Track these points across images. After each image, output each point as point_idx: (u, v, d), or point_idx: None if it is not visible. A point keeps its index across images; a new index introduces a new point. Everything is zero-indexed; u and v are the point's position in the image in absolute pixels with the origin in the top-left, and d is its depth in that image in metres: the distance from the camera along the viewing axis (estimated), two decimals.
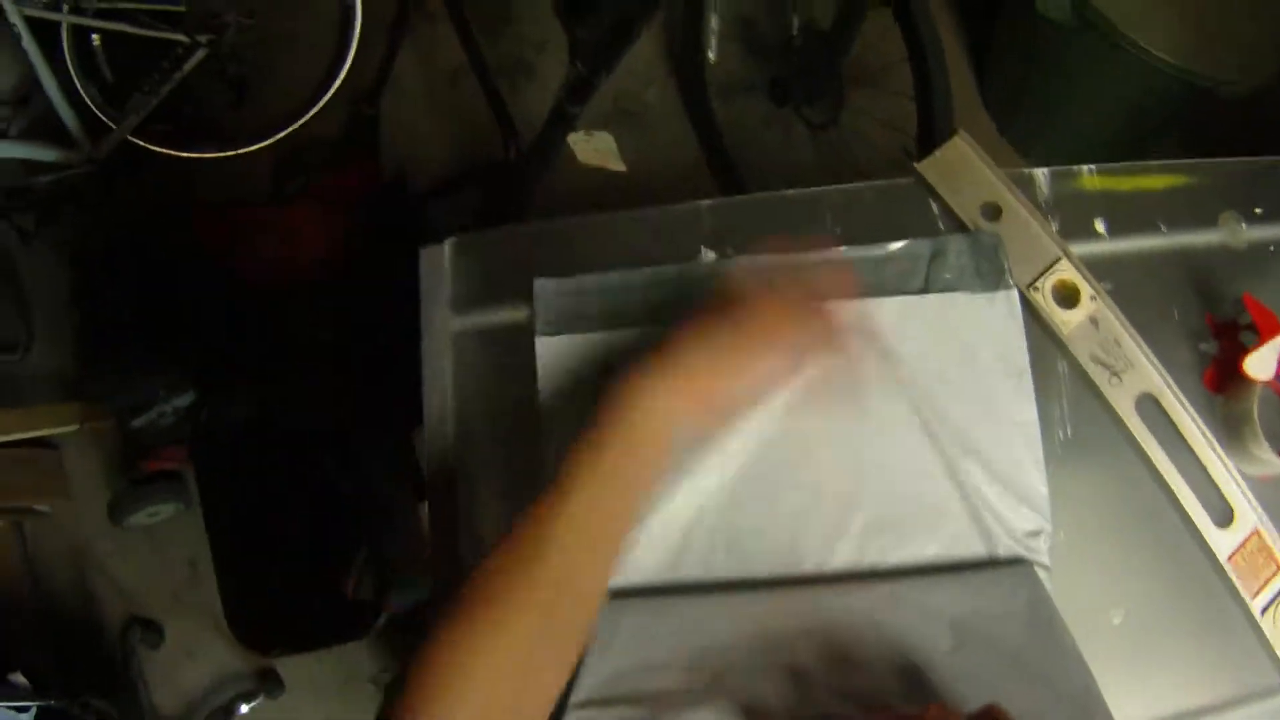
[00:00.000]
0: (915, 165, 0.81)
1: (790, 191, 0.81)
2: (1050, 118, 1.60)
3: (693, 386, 0.58)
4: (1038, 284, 0.78)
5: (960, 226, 0.80)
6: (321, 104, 1.56)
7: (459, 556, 0.75)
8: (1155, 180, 0.85)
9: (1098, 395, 0.77)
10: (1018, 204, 0.80)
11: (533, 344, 0.77)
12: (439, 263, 0.82)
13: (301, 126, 1.53)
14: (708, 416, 0.61)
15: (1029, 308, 0.78)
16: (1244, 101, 1.37)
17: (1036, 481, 0.74)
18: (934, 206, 0.81)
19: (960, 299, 0.76)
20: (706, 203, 0.80)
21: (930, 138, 0.81)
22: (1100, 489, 0.77)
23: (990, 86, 1.77)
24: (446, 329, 0.80)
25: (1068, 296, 0.78)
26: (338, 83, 1.56)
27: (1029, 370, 0.75)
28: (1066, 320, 0.77)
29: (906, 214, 0.81)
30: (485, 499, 0.77)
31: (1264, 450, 0.76)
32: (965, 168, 0.81)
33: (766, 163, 1.61)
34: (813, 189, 0.80)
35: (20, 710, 1.36)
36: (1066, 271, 0.78)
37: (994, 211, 0.80)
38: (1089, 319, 0.78)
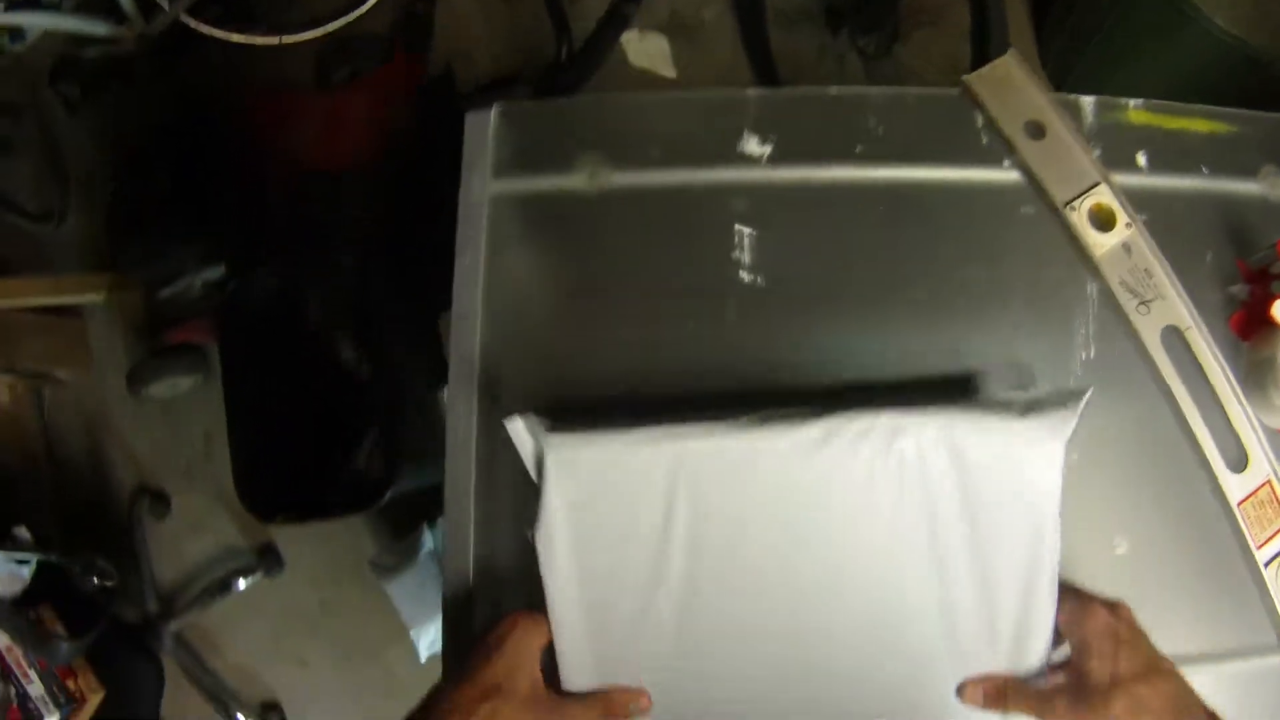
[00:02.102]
0: (964, 78, 0.81)
1: (835, 89, 0.81)
2: (1104, 81, 1.60)
3: None
4: (1075, 204, 0.78)
5: (1003, 140, 0.80)
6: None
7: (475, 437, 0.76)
8: (1200, 124, 0.85)
9: (1124, 321, 0.77)
10: (1062, 126, 0.80)
11: (570, 208, 0.77)
12: (484, 128, 0.82)
13: (356, 17, 1.53)
14: None
15: (1064, 227, 0.78)
16: None
17: None
18: (978, 119, 0.81)
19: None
20: (753, 91, 0.80)
21: (982, 58, 0.80)
22: (1117, 414, 0.76)
23: (1048, 47, 1.76)
24: (485, 191, 0.80)
25: (1104, 220, 0.78)
26: None
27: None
28: (1100, 243, 0.77)
29: (950, 124, 0.81)
30: (509, 367, 0.77)
31: None
32: (1013, 85, 0.81)
33: None
34: (858, 88, 0.81)
35: (21, 563, 1.38)
36: (1104, 196, 0.78)
37: (1038, 130, 0.80)
38: (1122, 245, 0.78)
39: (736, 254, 0.78)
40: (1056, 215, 0.78)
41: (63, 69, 1.62)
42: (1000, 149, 0.80)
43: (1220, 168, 0.83)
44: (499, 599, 0.72)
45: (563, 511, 0.64)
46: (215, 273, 1.47)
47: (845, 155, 0.79)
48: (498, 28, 1.68)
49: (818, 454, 0.64)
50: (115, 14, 1.58)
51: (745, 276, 0.77)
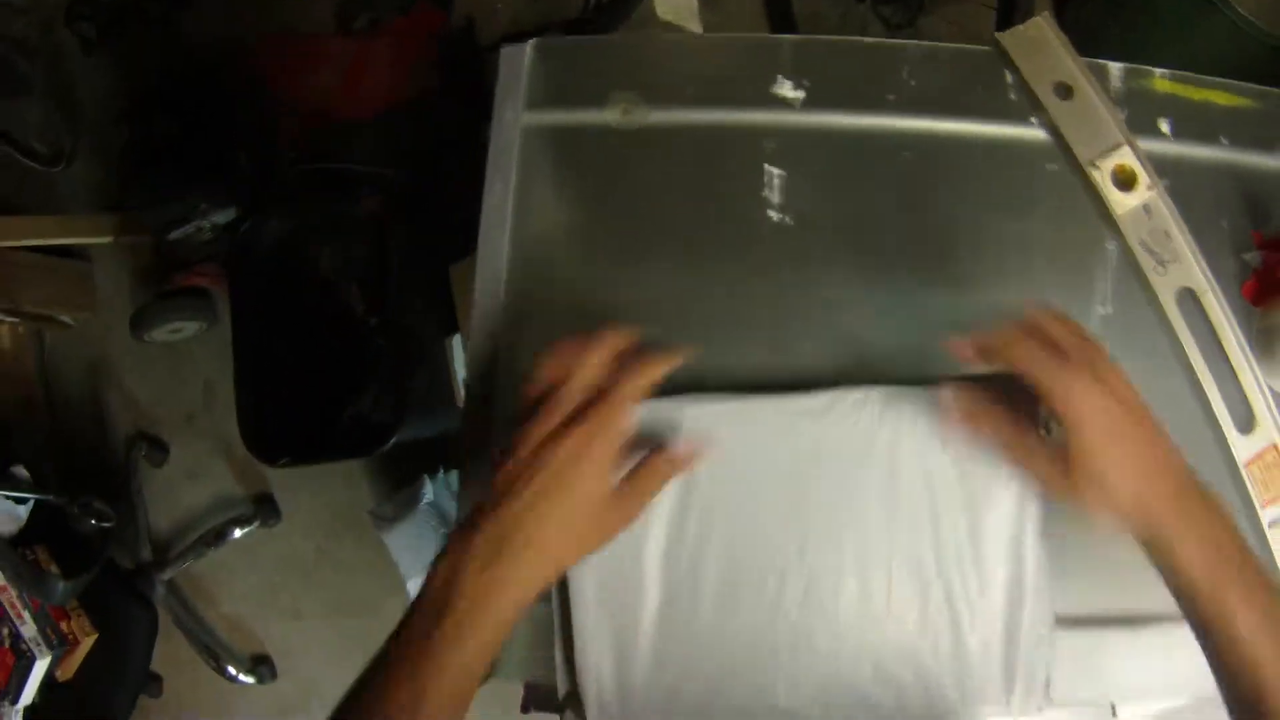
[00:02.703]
0: (997, 34, 0.82)
1: (869, 40, 0.82)
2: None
3: None
4: (1098, 163, 0.79)
5: (1032, 99, 0.81)
6: None
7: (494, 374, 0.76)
8: (1222, 97, 0.86)
9: (1141, 280, 0.79)
10: (1089, 88, 0.81)
11: (601, 143, 0.78)
12: (519, 61, 0.83)
13: None
14: None
15: (1087, 185, 0.79)
16: None
17: None
18: (1009, 77, 0.82)
19: None
20: (789, 37, 0.81)
21: (1006, 25, 0.82)
22: (1130, 371, 0.77)
23: (1071, 30, 1.75)
24: (518, 123, 0.81)
25: (1126, 180, 0.79)
26: None
27: None
28: (1122, 201, 0.79)
29: (981, 80, 0.82)
30: (534, 302, 0.78)
31: None
32: (1044, 46, 0.82)
33: None
34: (892, 40, 0.82)
35: (18, 502, 1.38)
36: (1127, 158, 0.80)
37: (1066, 91, 0.81)
38: (1143, 206, 0.79)
39: (766, 193, 0.79)
40: (1080, 173, 0.80)
41: (80, 7, 1.61)
42: (1028, 107, 0.81)
43: (1240, 140, 0.85)
44: None
45: None
46: (226, 216, 1.46)
47: (877, 104, 0.80)
48: None
49: (818, 423, 0.68)
50: None
51: (774, 215, 0.78)
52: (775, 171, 0.79)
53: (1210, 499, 0.56)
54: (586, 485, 0.57)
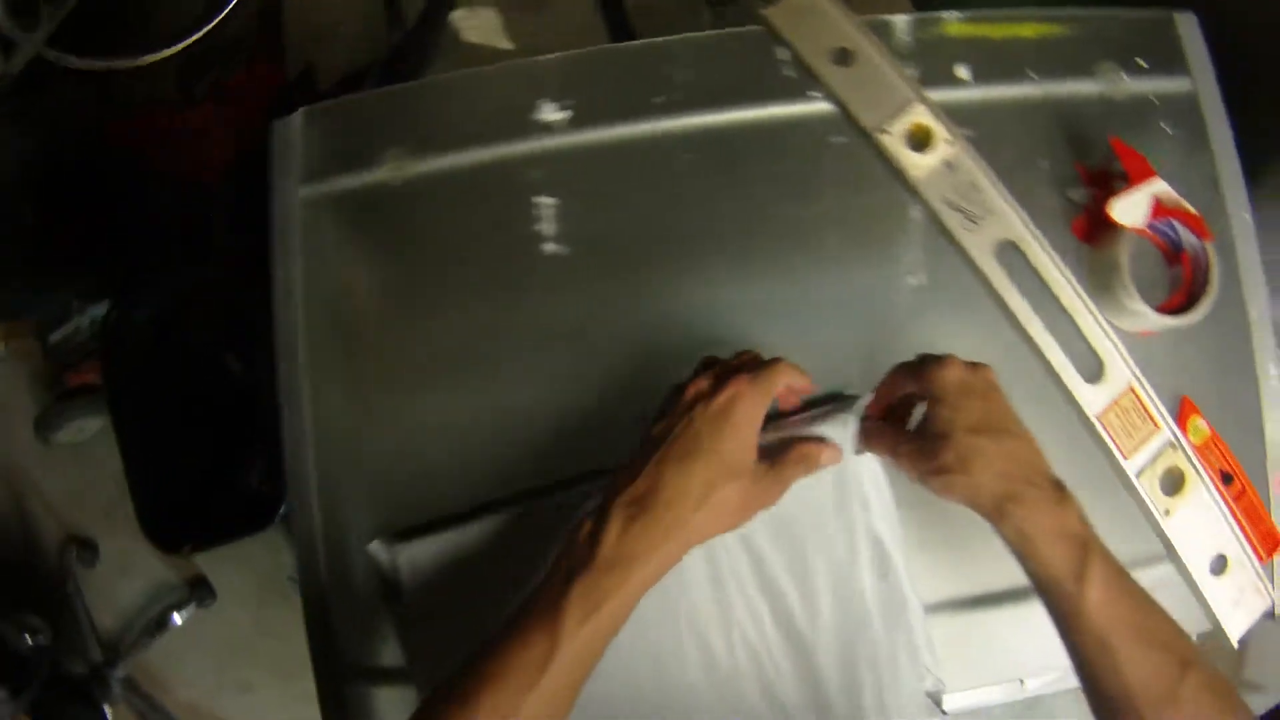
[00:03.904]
0: (759, 11, 0.77)
1: (634, 44, 0.77)
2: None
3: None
4: (888, 127, 0.75)
5: (808, 71, 0.76)
6: (230, 6, 1.52)
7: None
8: (1027, 29, 0.81)
9: (952, 241, 0.75)
10: (870, 48, 0.76)
11: (380, 203, 0.75)
12: (290, 133, 0.79)
13: (213, 28, 1.49)
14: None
15: (877, 152, 0.75)
16: None
17: None
18: (782, 53, 0.77)
19: None
20: (546, 58, 0.77)
21: None
22: (959, 339, 0.73)
23: None
24: (296, 198, 0.77)
25: (921, 140, 0.75)
26: None
27: None
28: (918, 164, 0.74)
29: (752, 62, 0.77)
30: (334, 379, 0.76)
31: (1135, 301, 0.73)
32: (814, 13, 0.77)
33: None
34: (659, 39, 0.77)
35: None
36: (921, 115, 0.75)
37: (845, 56, 0.76)
38: (943, 163, 0.75)
39: (538, 226, 0.75)
40: (869, 141, 0.75)
41: None
42: (807, 81, 0.77)
43: (1052, 71, 0.80)
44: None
45: None
46: (100, 309, 1.43)
47: (645, 110, 0.76)
48: (346, 17, 1.64)
49: None
50: None
51: (548, 248, 0.75)
52: (546, 201, 0.75)
53: (1058, 487, 0.57)
54: (730, 446, 0.55)
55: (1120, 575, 0.55)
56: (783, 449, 0.59)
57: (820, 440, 0.61)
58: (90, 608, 1.60)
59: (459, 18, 1.53)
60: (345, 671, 0.72)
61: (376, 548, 0.71)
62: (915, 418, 0.63)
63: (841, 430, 0.63)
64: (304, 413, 0.74)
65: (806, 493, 0.64)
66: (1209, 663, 0.53)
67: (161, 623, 1.61)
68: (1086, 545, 0.54)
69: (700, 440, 0.55)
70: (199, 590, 1.63)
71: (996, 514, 0.56)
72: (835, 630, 0.66)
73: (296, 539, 0.74)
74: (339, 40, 1.61)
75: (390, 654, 0.72)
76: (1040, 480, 0.57)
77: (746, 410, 0.56)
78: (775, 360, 0.59)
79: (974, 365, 0.60)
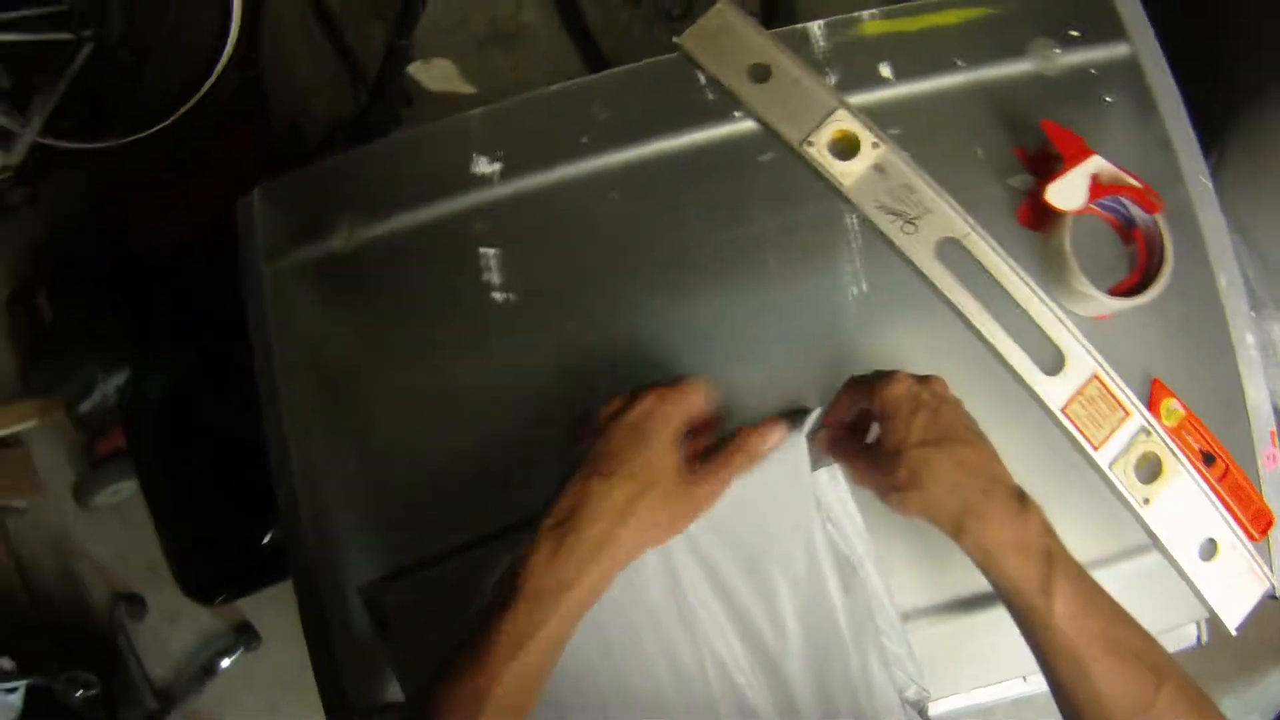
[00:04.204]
0: (675, 39, 0.77)
1: (555, 87, 0.78)
2: None
3: None
4: (811, 139, 0.74)
5: (726, 93, 0.76)
6: (215, 76, 1.57)
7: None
8: (949, 16, 0.80)
9: (891, 246, 0.74)
10: (787, 61, 0.76)
11: (338, 271, 0.78)
12: (250, 212, 0.82)
13: (199, 98, 1.54)
14: None
15: (805, 165, 0.75)
16: None
17: None
18: (701, 77, 0.77)
19: None
20: (475, 112, 0.78)
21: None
22: (914, 344, 0.73)
23: None
24: (261, 275, 0.80)
25: (847, 148, 0.74)
26: (226, 53, 1.56)
27: None
28: (846, 172, 0.74)
29: (674, 90, 0.77)
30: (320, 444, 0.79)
31: (1084, 284, 0.71)
32: (729, 33, 0.77)
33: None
34: (581, 79, 0.78)
35: (9, 691, 1.43)
36: (844, 122, 0.75)
37: (762, 72, 0.76)
38: (872, 168, 0.74)
39: (486, 276, 0.76)
40: (795, 155, 0.75)
41: None
42: (728, 102, 0.77)
43: (978, 56, 0.79)
44: None
45: None
46: (122, 377, 1.50)
47: (571, 152, 0.77)
48: (325, 71, 1.67)
49: None
50: None
51: (498, 296, 0.76)
52: (490, 252, 0.76)
53: (1018, 497, 0.56)
54: (647, 456, 0.56)
55: (1088, 585, 0.54)
56: (723, 442, 0.60)
57: (759, 429, 0.61)
58: (143, 658, 1.67)
59: (416, 69, 1.56)
60: (352, 713, 0.75)
61: (364, 590, 0.74)
62: (874, 432, 0.63)
63: (795, 447, 0.64)
64: (291, 467, 0.79)
65: (761, 514, 0.65)
66: (1183, 672, 0.52)
67: (210, 669, 1.66)
68: (1050, 557, 0.53)
69: (618, 454, 0.56)
70: (244, 635, 1.69)
71: (955, 530, 0.56)
72: (803, 646, 0.66)
73: (295, 587, 0.77)
74: (320, 99, 1.65)
75: (395, 692, 0.74)
76: (998, 491, 0.56)
77: (661, 421, 0.57)
78: (686, 380, 0.60)
79: (924, 378, 0.60)
